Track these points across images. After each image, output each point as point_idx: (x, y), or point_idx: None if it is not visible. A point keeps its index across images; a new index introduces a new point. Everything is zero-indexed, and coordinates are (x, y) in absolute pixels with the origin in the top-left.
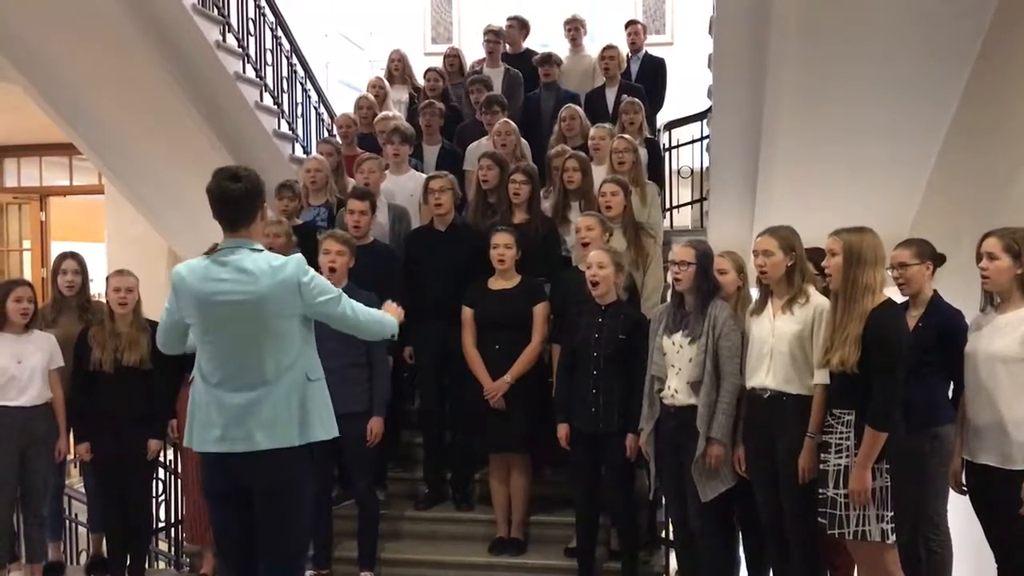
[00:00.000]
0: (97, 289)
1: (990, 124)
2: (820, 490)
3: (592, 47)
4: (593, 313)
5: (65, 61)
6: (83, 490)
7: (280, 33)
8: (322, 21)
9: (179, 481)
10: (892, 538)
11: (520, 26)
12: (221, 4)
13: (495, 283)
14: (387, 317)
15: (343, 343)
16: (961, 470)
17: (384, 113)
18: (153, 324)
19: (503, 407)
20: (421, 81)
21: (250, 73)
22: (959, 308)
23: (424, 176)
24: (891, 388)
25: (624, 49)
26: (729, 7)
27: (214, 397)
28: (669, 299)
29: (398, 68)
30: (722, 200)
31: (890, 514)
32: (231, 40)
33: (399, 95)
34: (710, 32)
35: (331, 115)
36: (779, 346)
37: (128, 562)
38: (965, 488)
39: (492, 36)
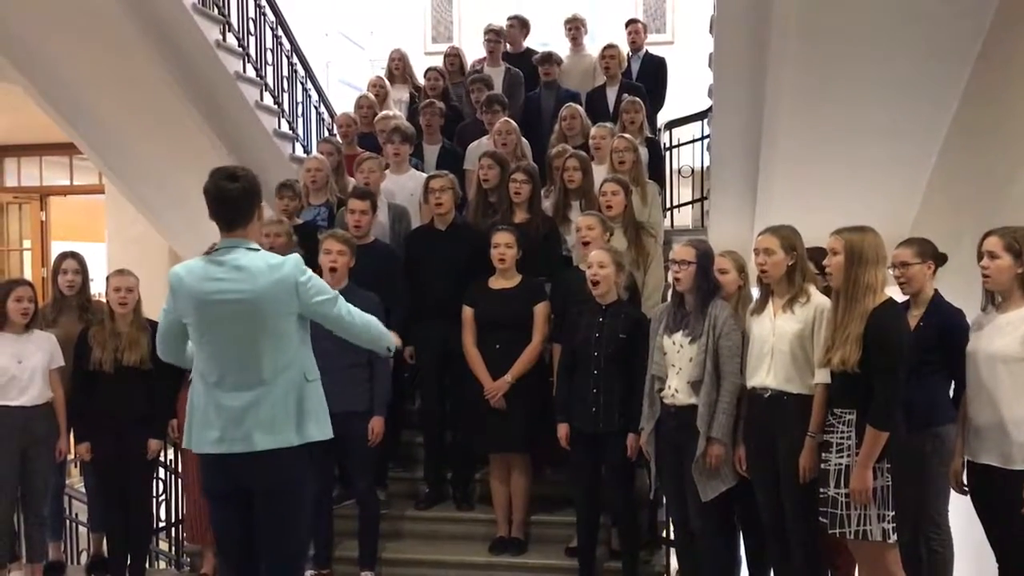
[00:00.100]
0: (97, 289)
1: (990, 124)
2: (821, 489)
3: (593, 46)
4: (594, 313)
5: (65, 61)
6: (84, 490)
7: (280, 32)
8: (322, 20)
9: (179, 481)
10: (893, 538)
11: (521, 25)
12: (221, 3)
13: (496, 283)
14: (385, 330)
15: (344, 343)
16: (962, 470)
17: (384, 112)
18: (153, 324)
19: (503, 407)
20: (422, 80)
21: (250, 72)
22: (960, 307)
23: (424, 175)
24: (892, 387)
25: (625, 48)
26: (730, 6)
27: (212, 398)
28: (669, 298)
29: (399, 67)
30: (723, 199)
31: (891, 514)
32: (231, 39)
33: (399, 94)
34: (711, 31)
35: (331, 114)
36: (780, 345)
37: (128, 562)
38: (966, 488)
39: (493, 35)
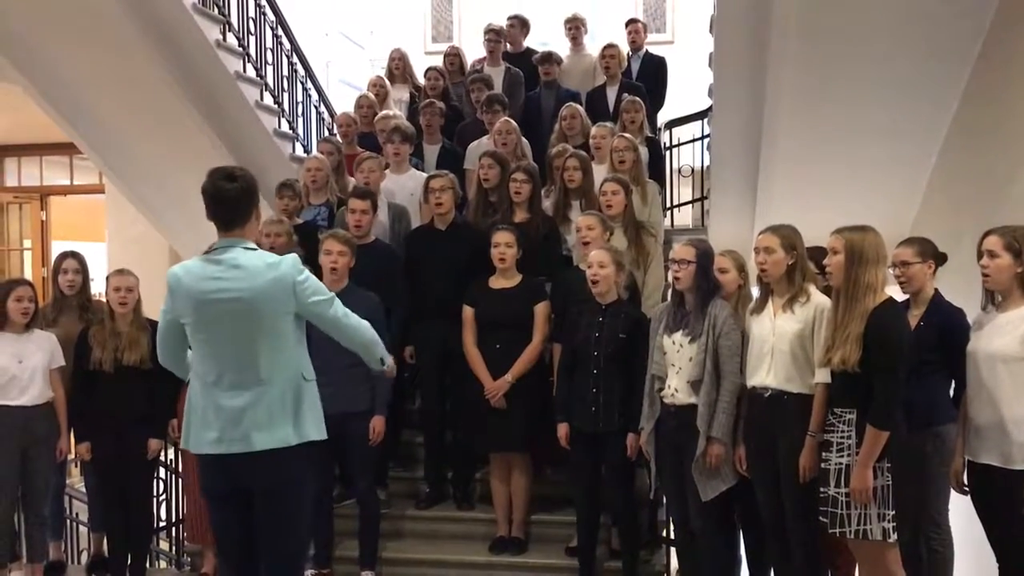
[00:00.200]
0: (98, 289)
1: (990, 124)
2: (821, 489)
3: (593, 46)
4: (594, 312)
5: (65, 61)
6: (84, 490)
7: (280, 32)
8: (322, 20)
9: (180, 480)
10: (893, 537)
11: (521, 25)
12: (221, 3)
13: (496, 282)
14: (379, 341)
15: None
16: (963, 470)
17: (384, 112)
18: (153, 323)
19: (504, 406)
20: (422, 80)
21: (250, 72)
22: (960, 307)
23: (424, 175)
24: (892, 387)
25: (625, 48)
26: (730, 6)
27: (210, 399)
28: (669, 298)
29: (399, 67)
30: (723, 199)
31: (891, 513)
32: (231, 39)
33: (400, 94)
34: (711, 31)
35: (331, 114)
36: (780, 345)
37: (129, 561)
38: (967, 488)
39: (493, 35)
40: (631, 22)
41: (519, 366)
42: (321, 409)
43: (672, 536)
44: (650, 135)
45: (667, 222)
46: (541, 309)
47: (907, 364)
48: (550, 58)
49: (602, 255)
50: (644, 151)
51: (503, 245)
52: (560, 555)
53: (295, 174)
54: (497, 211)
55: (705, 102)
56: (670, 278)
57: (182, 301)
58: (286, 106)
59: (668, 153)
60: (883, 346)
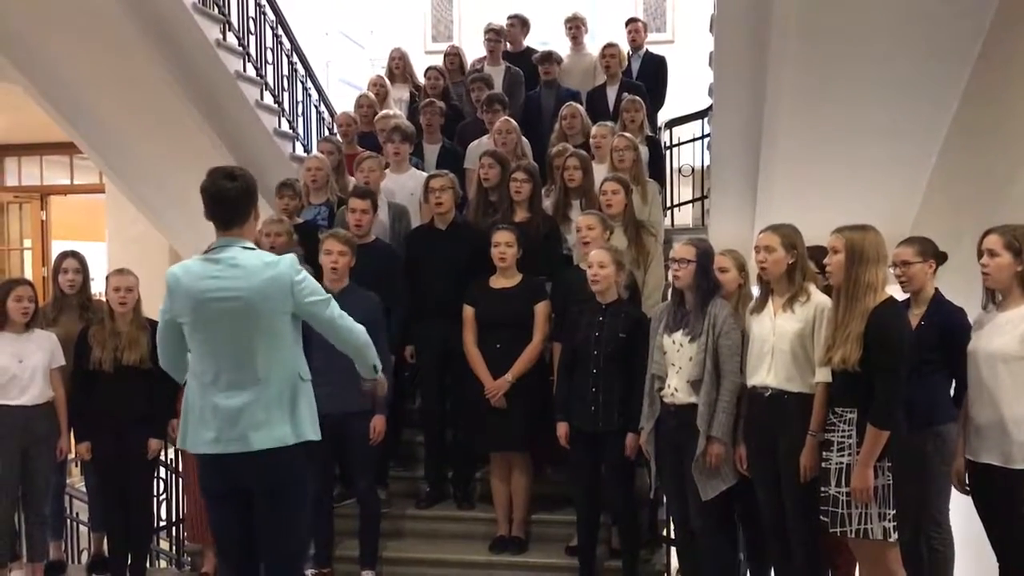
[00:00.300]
0: (98, 288)
1: (991, 124)
2: (822, 488)
3: (593, 45)
4: (594, 312)
5: (65, 60)
6: (84, 489)
7: (280, 32)
8: (323, 19)
9: (180, 480)
10: (894, 536)
11: (521, 24)
12: (221, 3)
13: (496, 282)
14: (372, 345)
15: None
16: (965, 469)
17: (384, 112)
18: (153, 323)
19: (504, 406)
20: (422, 79)
21: (250, 72)
22: (961, 307)
23: (424, 175)
24: (893, 386)
25: (625, 47)
26: (730, 6)
27: (208, 399)
28: (669, 297)
29: (399, 66)
30: (723, 198)
31: (892, 512)
32: (231, 39)
33: (400, 93)
34: (711, 30)
35: (331, 114)
36: (780, 344)
37: (129, 561)
38: (969, 488)
39: (493, 34)
40: (631, 21)
41: (519, 366)
42: (316, 410)
43: (672, 535)
44: (650, 134)
45: (667, 221)
46: (541, 309)
47: (908, 363)
48: (550, 57)
49: (602, 255)
50: (644, 150)
51: (503, 244)
52: (560, 554)
53: (295, 173)
54: (497, 210)
55: (705, 101)
56: (670, 277)
57: (180, 301)
58: (286, 105)
59: (668, 152)
60: (884, 345)
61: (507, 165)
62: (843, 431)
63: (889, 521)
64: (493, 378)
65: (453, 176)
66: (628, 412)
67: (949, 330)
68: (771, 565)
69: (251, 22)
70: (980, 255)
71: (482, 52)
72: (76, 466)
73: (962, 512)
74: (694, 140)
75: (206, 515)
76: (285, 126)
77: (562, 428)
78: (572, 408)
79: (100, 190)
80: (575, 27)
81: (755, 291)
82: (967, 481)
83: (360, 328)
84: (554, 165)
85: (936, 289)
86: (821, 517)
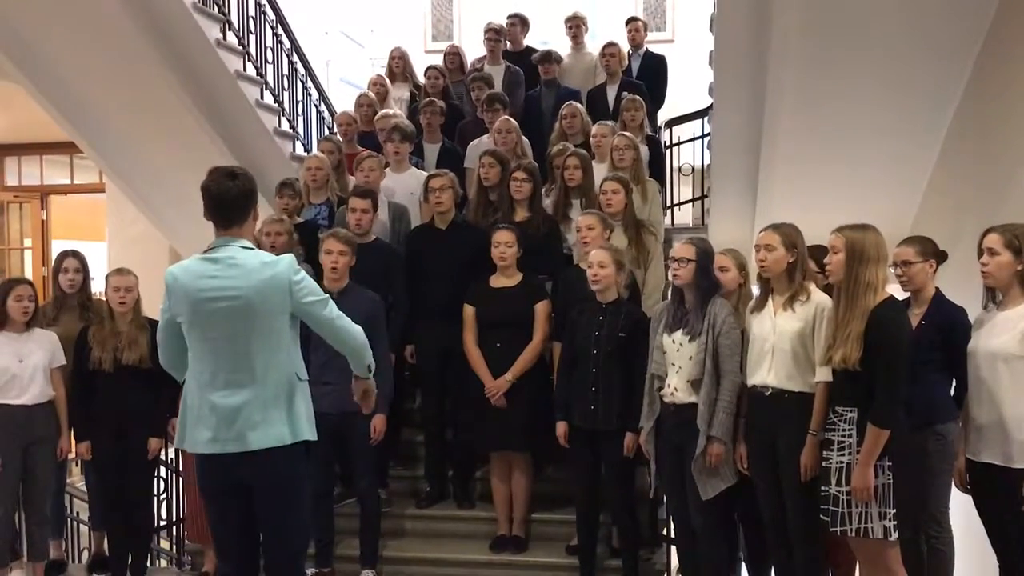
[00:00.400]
0: (98, 288)
1: (991, 123)
2: (822, 487)
3: (593, 44)
4: (594, 311)
5: (66, 60)
6: (85, 488)
7: (280, 31)
8: (323, 19)
9: (180, 479)
10: (894, 535)
11: (521, 23)
12: (221, 2)
13: (496, 281)
14: (368, 346)
15: None
16: (966, 469)
17: (385, 111)
18: (153, 323)
19: (504, 405)
20: (422, 79)
21: (251, 71)
22: (961, 306)
23: (424, 174)
24: (894, 385)
25: (625, 46)
26: (730, 5)
27: (205, 398)
28: (669, 297)
29: (399, 66)
30: (723, 198)
31: (892, 511)
32: (231, 38)
33: (400, 93)
34: (711, 29)
35: (332, 113)
36: (780, 344)
37: (130, 560)
38: (969, 487)
39: (493, 34)
40: (631, 20)
41: (519, 365)
42: (313, 410)
43: (672, 535)
44: (650, 134)
45: (667, 221)
46: (542, 308)
47: (908, 363)
48: (550, 57)
49: (602, 255)
50: (644, 150)
51: (503, 244)
52: (560, 553)
53: (295, 173)
54: (497, 210)
55: (705, 100)
56: (670, 276)
57: (179, 300)
58: (286, 105)
59: (668, 152)
60: (884, 344)
61: (507, 164)
62: (843, 430)
63: (889, 520)
64: (493, 377)
65: (453, 175)
66: (628, 411)
67: (949, 329)
68: (771, 565)
69: (251, 21)
70: (980, 254)
71: (482, 51)
72: (76, 465)
73: (962, 511)
74: (694, 139)
75: (206, 514)
76: (285, 125)
77: (561, 427)
78: (572, 407)
79: (100, 190)
80: (575, 26)
81: (755, 290)
82: (967, 480)
83: (358, 329)
84: (554, 164)
85: (936, 288)
86: (821, 516)
